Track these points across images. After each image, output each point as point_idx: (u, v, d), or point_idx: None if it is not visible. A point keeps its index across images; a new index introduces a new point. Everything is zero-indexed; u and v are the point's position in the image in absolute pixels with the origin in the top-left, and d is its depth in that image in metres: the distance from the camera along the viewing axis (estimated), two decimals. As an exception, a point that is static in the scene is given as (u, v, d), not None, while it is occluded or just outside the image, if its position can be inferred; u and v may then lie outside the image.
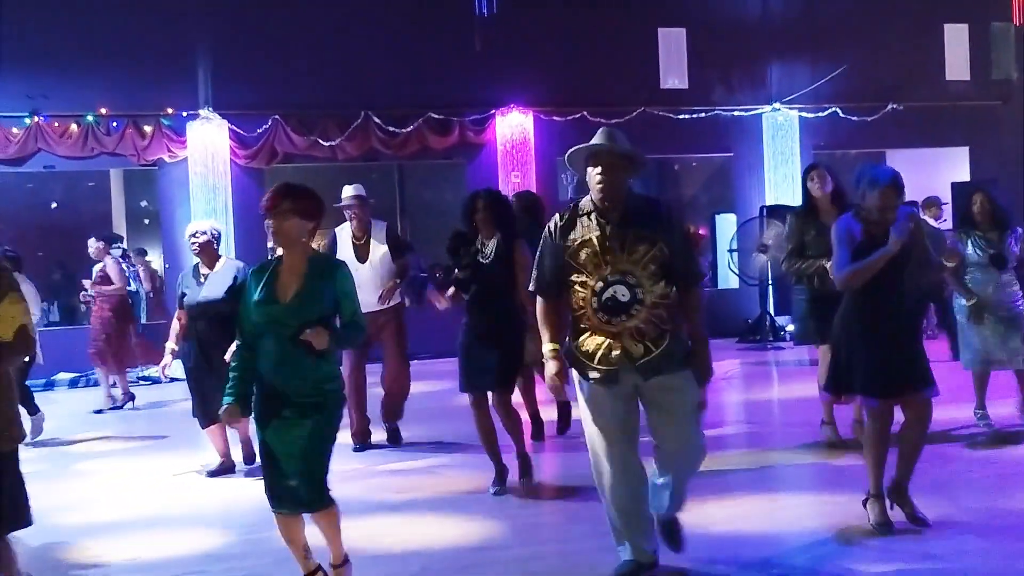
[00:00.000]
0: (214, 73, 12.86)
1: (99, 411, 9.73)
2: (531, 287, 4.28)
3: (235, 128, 12.91)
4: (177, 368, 11.50)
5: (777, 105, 14.62)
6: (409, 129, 13.27)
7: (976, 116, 15.10)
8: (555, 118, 13.56)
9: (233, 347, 4.29)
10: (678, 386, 4.02)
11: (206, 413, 6.34)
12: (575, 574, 4.38)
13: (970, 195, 6.85)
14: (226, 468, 6.60)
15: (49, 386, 11.43)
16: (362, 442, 7.21)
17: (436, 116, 13.39)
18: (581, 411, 4.19)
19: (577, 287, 4.01)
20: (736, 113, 14.54)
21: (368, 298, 6.97)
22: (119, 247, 11.92)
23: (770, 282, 13.27)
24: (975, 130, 15.11)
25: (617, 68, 13.94)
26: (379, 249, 7.11)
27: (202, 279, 6.40)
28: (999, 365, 6.75)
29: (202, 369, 6.44)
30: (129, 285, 11.93)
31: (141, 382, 11.81)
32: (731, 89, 14.51)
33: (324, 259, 4.03)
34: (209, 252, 6.42)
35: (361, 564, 4.59)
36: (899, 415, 4.76)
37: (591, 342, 4.00)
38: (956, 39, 15.23)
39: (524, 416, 6.38)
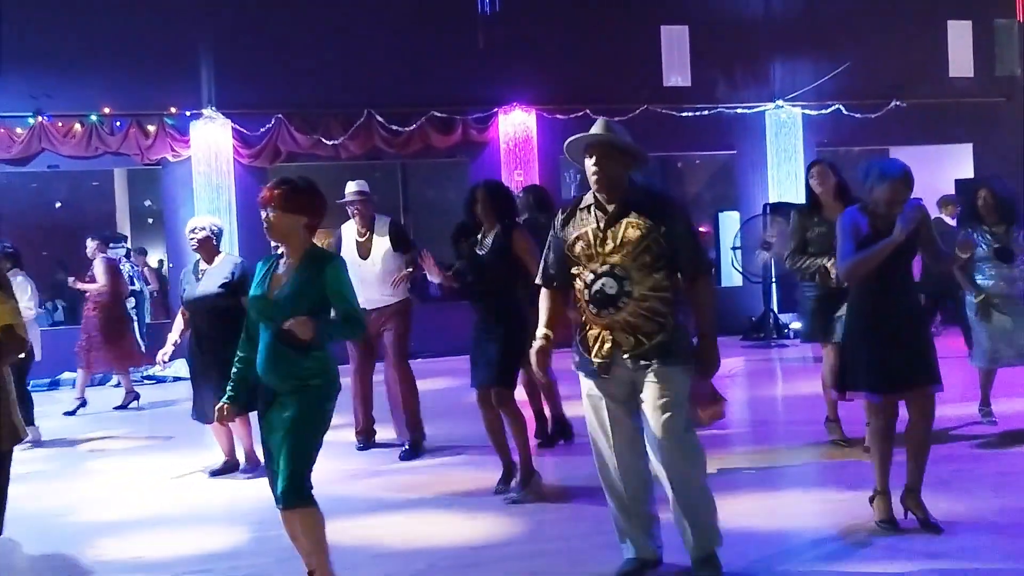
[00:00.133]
0: (217, 72, 12.87)
1: (68, 413, 9.59)
2: (537, 279, 4.30)
3: (238, 127, 12.92)
4: (181, 367, 11.57)
5: (780, 102, 14.60)
6: (412, 127, 13.27)
7: (980, 113, 15.07)
8: (558, 116, 13.55)
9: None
10: (664, 376, 3.94)
11: (203, 411, 6.35)
12: (579, 572, 4.38)
13: (975, 191, 6.84)
14: (229, 467, 6.60)
15: (54, 385, 11.46)
16: (366, 442, 7.20)
17: (439, 114, 13.39)
18: (584, 407, 4.20)
19: (576, 280, 4.07)
20: (739, 110, 14.53)
21: (371, 295, 6.96)
22: (123, 246, 11.95)
23: (774, 279, 13.26)
24: (979, 127, 15.08)
25: (620, 66, 13.93)
26: (382, 245, 6.99)
27: (200, 275, 6.40)
28: (1007, 362, 6.74)
29: (199, 366, 6.44)
30: (133, 284, 12.00)
31: (146, 381, 11.85)
32: (734, 86, 14.50)
33: (317, 254, 3.92)
34: (208, 248, 6.41)
35: (365, 562, 4.60)
36: (902, 412, 4.76)
37: (590, 334, 4.05)
38: (959, 36, 15.20)
39: (529, 413, 6.36)
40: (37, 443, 8.03)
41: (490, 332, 5.60)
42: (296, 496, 3.83)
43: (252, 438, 6.30)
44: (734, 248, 13.57)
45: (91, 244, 10.12)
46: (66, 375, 11.67)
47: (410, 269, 6.81)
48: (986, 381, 6.86)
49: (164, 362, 6.67)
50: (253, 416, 4.30)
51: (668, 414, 3.94)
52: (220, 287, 6.21)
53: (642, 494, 4.15)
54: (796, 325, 13.11)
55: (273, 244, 4.05)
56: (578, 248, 4.03)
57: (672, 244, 3.94)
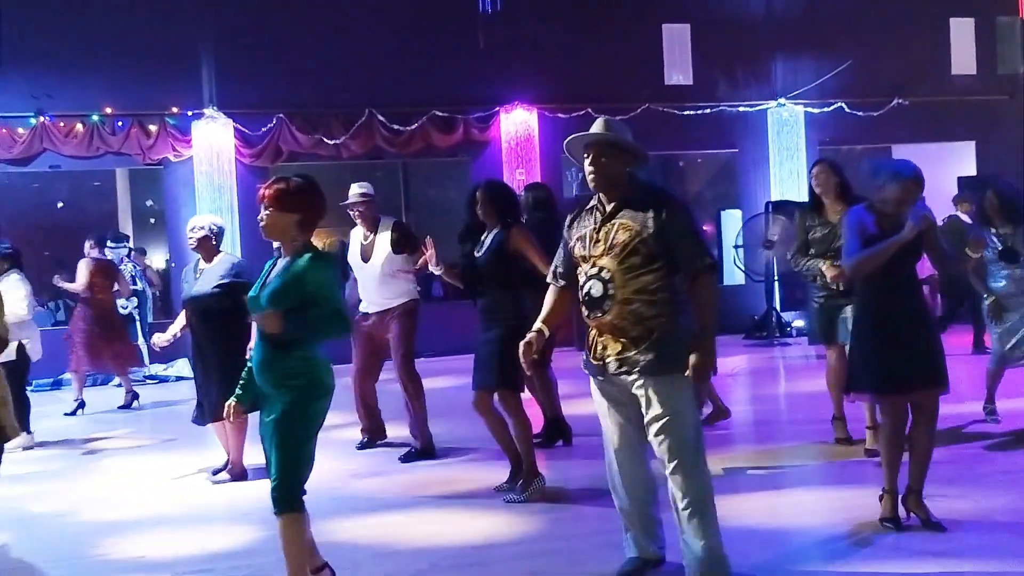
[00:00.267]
0: (218, 72, 12.88)
1: (69, 413, 9.57)
2: (548, 277, 4.31)
3: (240, 127, 12.92)
4: (183, 367, 11.57)
5: (782, 100, 14.59)
6: (414, 127, 13.27)
7: (982, 111, 15.06)
8: (559, 115, 13.54)
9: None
10: (658, 389, 3.83)
11: (200, 412, 6.34)
12: (579, 572, 4.37)
13: (984, 191, 6.85)
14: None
15: (56, 385, 11.47)
16: (366, 442, 7.18)
17: (440, 114, 13.39)
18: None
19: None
20: (741, 109, 14.52)
21: (373, 297, 6.94)
22: (125, 246, 11.94)
23: (776, 278, 13.25)
24: (981, 125, 15.07)
25: (621, 64, 13.92)
26: (384, 248, 6.88)
27: (199, 274, 6.38)
28: (1015, 363, 6.73)
29: (198, 365, 6.43)
30: (135, 284, 11.99)
31: (148, 381, 11.86)
32: (736, 85, 14.49)
33: (303, 252, 3.84)
34: (206, 247, 6.36)
35: (369, 561, 4.60)
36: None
37: (590, 336, 4.06)
38: (962, 33, 15.18)
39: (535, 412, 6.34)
40: (35, 445, 8.00)
41: (486, 333, 5.60)
42: (281, 504, 3.75)
43: (242, 446, 6.27)
44: (736, 247, 13.56)
45: (87, 244, 10.10)
46: (67, 375, 11.66)
47: (415, 267, 6.69)
48: (993, 381, 6.86)
49: (161, 346, 6.58)
50: (253, 419, 4.26)
51: (664, 433, 3.83)
52: (216, 287, 6.15)
53: (644, 496, 4.13)
54: (799, 324, 13.14)
55: (275, 246, 4.03)
56: (577, 249, 4.05)
57: (669, 242, 3.85)
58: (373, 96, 13.16)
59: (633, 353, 3.87)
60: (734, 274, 14.19)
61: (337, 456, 6.91)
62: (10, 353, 7.65)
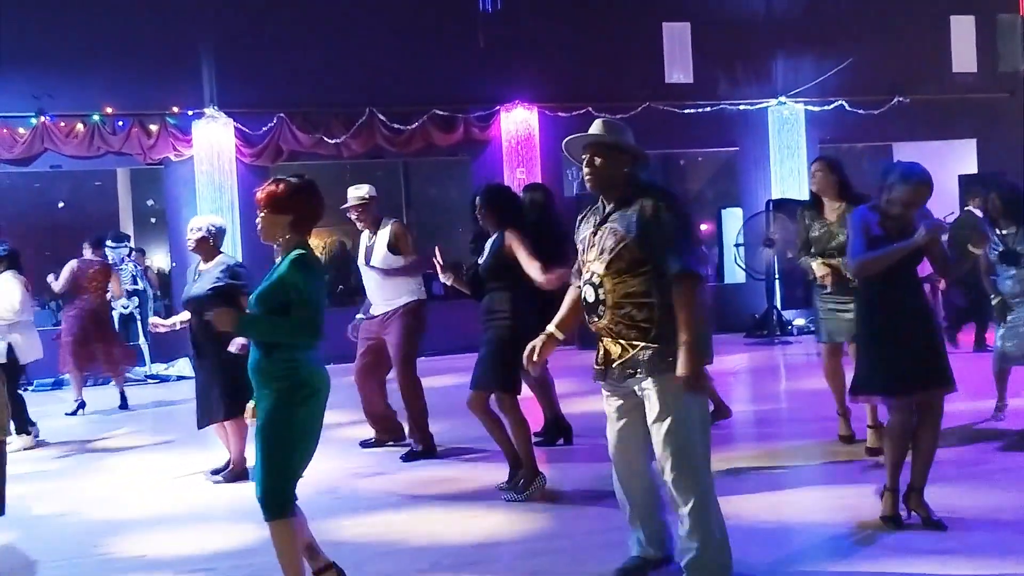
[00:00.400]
0: (219, 71, 12.88)
1: (70, 413, 9.52)
2: (569, 278, 4.28)
3: (240, 126, 12.93)
4: (185, 366, 11.56)
5: (783, 99, 14.58)
6: (414, 126, 13.27)
7: (983, 108, 15.05)
8: (560, 114, 13.55)
9: None
10: (660, 389, 3.77)
11: (200, 412, 6.34)
12: (582, 570, 4.37)
13: (989, 190, 6.89)
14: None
15: (57, 385, 11.48)
16: (371, 442, 7.17)
17: (441, 113, 13.39)
18: None
19: None
20: (742, 107, 14.51)
21: (374, 299, 6.92)
22: (126, 246, 11.95)
23: (777, 276, 13.25)
24: (982, 122, 15.06)
25: (622, 63, 13.93)
26: (382, 249, 6.84)
27: (198, 276, 6.37)
28: (1016, 362, 6.73)
29: (196, 367, 6.43)
30: (136, 284, 12.00)
31: (149, 381, 11.87)
32: (736, 83, 14.48)
33: (287, 253, 3.80)
34: (204, 249, 6.34)
35: (368, 560, 4.60)
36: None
37: (598, 343, 4.04)
38: (963, 31, 15.17)
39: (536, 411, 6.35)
40: (36, 445, 8.01)
41: (486, 334, 5.64)
42: (268, 510, 3.72)
43: (243, 446, 6.27)
44: (737, 245, 13.57)
45: (85, 245, 10.07)
46: (67, 375, 11.67)
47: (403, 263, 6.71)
48: (998, 380, 6.88)
49: (156, 327, 6.53)
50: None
51: (665, 434, 3.78)
52: (210, 289, 6.13)
53: (645, 500, 4.11)
54: (800, 322, 13.15)
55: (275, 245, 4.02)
56: (580, 252, 4.04)
57: (648, 245, 3.77)
58: (373, 95, 13.16)
59: (633, 354, 3.85)
60: (735, 273, 14.19)
61: (338, 455, 6.91)
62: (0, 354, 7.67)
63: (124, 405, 9.88)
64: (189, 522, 5.54)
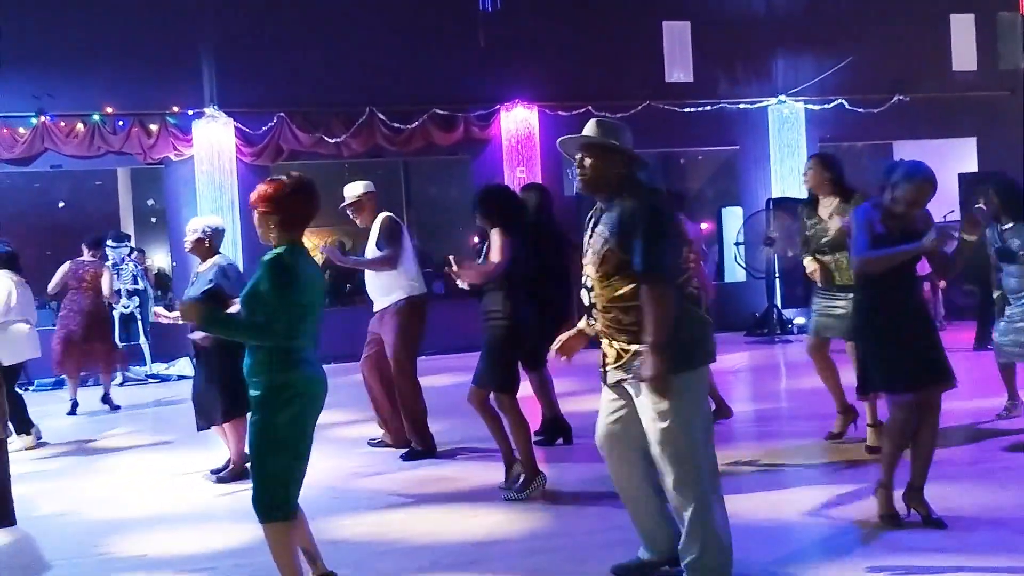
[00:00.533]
0: (219, 71, 12.89)
1: (70, 413, 9.50)
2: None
3: (240, 126, 12.93)
4: (185, 366, 11.55)
5: (783, 97, 14.59)
6: (414, 125, 13.27)
7: (983, 107, 15.05)
8: (560, 113, 13.55)
9: None
10: (648, 393, 3.74)
11: (197, 416, 6.33)
12: (582, 570, 4.37)
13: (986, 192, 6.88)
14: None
15: (58, 385, 11.47)
16: (381, 442, 7.14)
17: (441, 112, 13.39)
18: None
19: None
20: (742, 106, 14.51)
21: (372, 293, 6.92)
22: (126, 246, 11.94)
23: (777, 275, 13.25)
24: (982, 121, 15.06)
25: (622, 62, 13.93)
26: (372, 242, 6.83)
27: (195, 277, 6.37)
28: (1013, 357, 6.73)
29: (195, 367, 6.42)
30: (136, 283, 11.99)
31: (150, 380, 11.87)
32: (736, 82, 14.49)
33: (271, 254, 3.77)
34: (200, 250, 6.33)
35: (369, 559, 4.61)
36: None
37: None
38: (963, 29, 15.17)
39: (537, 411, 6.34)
40: (37, 445, 8.02)
41: (485, 333, 5.67)
42: (258, 512, 3.70)
43: (242, 446, 6.26)
44: (737, 244, 13.57)
45: (83, 246, 10.07)
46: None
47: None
48: (1005, 378, 6.89)
49: (159, 315, 6.51)
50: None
51: (659, 437, 3.75)
52: (203, 291, 6.13)
53: (640, 504, 4.10)
54: (800, 320, 13.14)
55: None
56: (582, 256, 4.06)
57: (628, 245, 3.71)
58: (373, 95, 13.16)
59: (626, 358, 3.83)
60: (735, 271, 14.19)
61: (338, 454, 6.92)
62: None
63: (106, 400, 9.78)
64: (189, 522, 5.55)
